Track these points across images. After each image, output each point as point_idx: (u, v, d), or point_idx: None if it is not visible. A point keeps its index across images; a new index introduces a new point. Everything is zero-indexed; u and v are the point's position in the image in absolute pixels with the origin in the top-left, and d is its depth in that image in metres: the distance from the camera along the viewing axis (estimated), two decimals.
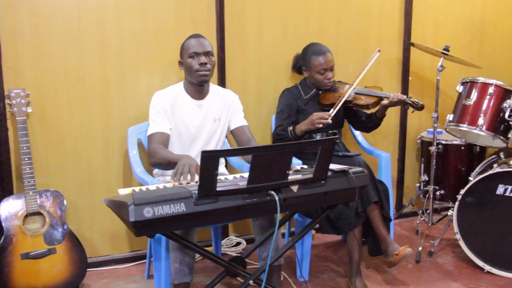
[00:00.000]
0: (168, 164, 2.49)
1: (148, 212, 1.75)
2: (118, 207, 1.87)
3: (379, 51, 3.10)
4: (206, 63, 2.69)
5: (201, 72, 2.69)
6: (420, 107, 3.04)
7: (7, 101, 2.83)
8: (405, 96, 3.04)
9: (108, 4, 3.06)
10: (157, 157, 2.57)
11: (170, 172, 2.75)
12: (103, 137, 3.16)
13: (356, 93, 3.16)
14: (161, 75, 3.22)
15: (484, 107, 3.19)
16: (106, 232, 3.26)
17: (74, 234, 2.87)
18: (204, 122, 2.82)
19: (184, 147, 2.80)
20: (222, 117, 2.86)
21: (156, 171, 2.89)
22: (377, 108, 3.18)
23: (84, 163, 3.14)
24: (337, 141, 3.21)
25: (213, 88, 2.89)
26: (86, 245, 2.93)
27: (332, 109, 2.95)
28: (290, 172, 2.03)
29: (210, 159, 1.80)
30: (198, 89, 2.79)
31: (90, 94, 3.09)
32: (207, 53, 2.71)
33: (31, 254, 2.73)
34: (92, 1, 3.02)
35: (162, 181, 2.79)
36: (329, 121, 2.89)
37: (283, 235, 3.42)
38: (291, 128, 3.04)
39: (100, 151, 3.17)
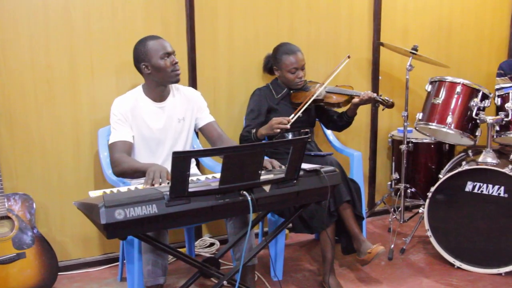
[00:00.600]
0: (135, 173, 2.45)
1: (120, 214, 1.73)
2: (89, 209, 1.85)
3: (348, 57, 3.13)
4: (177, 62, 2.67)
5: (176, 71, 2.67)
6: (390, 105, 3.08)
7: None
8: (375, 94, 3.09)
9: (76, 4, 3.01)
10: (122, 166, 2.51)
11: None
12: (73, 139, 3.12)
13: (327, 92, 3.19)
14: (131, 76, 3.18)
15: (452, 106, 3.24)
16: (77, 235, 3.22)
17: (44, 238, 2.82)
18: (169, 124, 2.78)
19: (150, 151, 2.76)
20: (186, 117, 2.83)
21: None
22: (348, 106, 3.21)
23: (53, 166, 3.09)
24: (309, 140, 3.26)
25: (173, 88, 2.84)
26: (57, 248, 2.89)
27: (292, 115, 2.96)
28: (262, 172, 2.03)
29: (181, 160, 1.79)
30: (159, 91, 2.74)
31: (58, 95, 3.04)
32: (174, 53, 2.70)
33: None
34: (59, 0, 2.97)
35: (134, 182, 2.76)
36: (288, 126, 2.91)
37: (256, 235, 3.42)
38: (254, 130, 3.06)
39: (70, 153, 3.13)
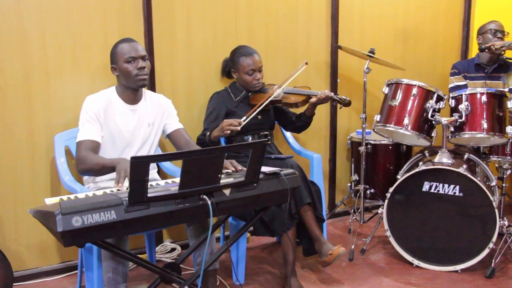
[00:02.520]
0: (102, 169, 2.42)
1: (77, 221, 1.69)
2: (45, 217, 1.80)
3: (306, 63, 3.18)
4: (144, 67, 2.65)
5: (140, 77, 2.64)
6: (347, 103, 3.14)
7: None
8: (332, 93, 3.14)
9: (28, 6, 2.94)
10: (88, 163, 2.47)
11: (101, 178, 2.70)
12: (28, 145, 3.03)
13: (285, 93, 3.22)
14: (88, 80, 3.13)
15: (408, 108, 3.30)
16: (33, 244, 3.13)
17: None
18: (139, 127, 2.76)
19: (117, 152, 2.73)
20: (156, 122, 2.82)
21: (86, 178, 2.80)
22: (306, 106, 3.24)
23: (7, 173, 3.00)
24: (269, 143, 3.28)
25: (146, 93, 2.85)
26: (12, 258, 2.81)
27: (244, 117, 2.98)
28: (222, 175, 2.03)
29: (140, 165, 1.77)
30: (132, 94, 2.73)
31: (12, 101, 2.96)
32: (143, 57, 2.67)
33: None
34: (9, 2, 2.90)
35: (93, 188, 2.71)
36: (238, 128, 2.93)
37: (217, 239, 3.40)
38: (208, 133, 3.07)
39: (25, 160, 3.04)
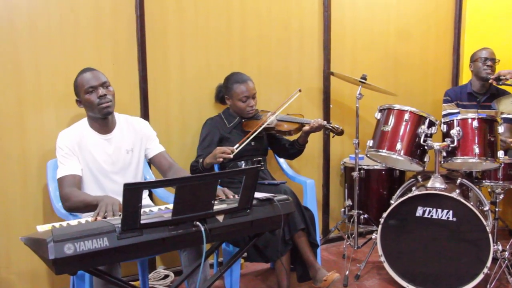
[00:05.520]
0: (86, 206, 2.42)
1: (69, 249, 1.68)
2: (37, 245, 1.79)
3: (299, 91, 3.22)
4: (105, 95, 2.61)
5: (103, 105, 2.60)
6: (340, 132, 3.16)
7: None
8: (325, 122, 3.16)
9: (23, 33, 2.96)
10: (73, 201, 2.48)
11: None
12: (20, 171, 3.02)
13: (278, 120, 3.24)
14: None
15: (401, 133, 3.32)
16: (24, 272, 3.10)
17: None
18: (116, 156, 2.74)
19: (99, 185, 2.72)
20: (135, 148, 2.80)
21: None
22: (299, 134, 3.25)
23: None
24: (262, 168, 3.28)
25: (120, 118, 2.81)
26: (2, 286, 2.77)
27: (237, 145, 3.00)
28: (216, 201, 2.03)
29: (132, 191, 1.76)
30: (103, 123, 2.70)
31: (4, 126, 2.96)
32: (103, 84, 2.63)
33: None
34: (3, 32, 2.92)
35: (85, 215, 2.69)
36: (230, 156, 2.95)
37: (211, 265, 3.38)
38: (201, 160, 3.07)
39: (17, 186, 3.03)
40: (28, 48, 2.98)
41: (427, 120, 3.32)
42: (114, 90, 2.69)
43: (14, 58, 2.96)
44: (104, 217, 2.11)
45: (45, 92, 3.05)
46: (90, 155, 2.67)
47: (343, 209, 3.96)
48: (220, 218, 2.03)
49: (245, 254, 2.87)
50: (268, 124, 3.15)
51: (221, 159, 2.96)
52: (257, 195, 2.19)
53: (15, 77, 2.97)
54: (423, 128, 3.29)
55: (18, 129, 3.00)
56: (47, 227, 1.93)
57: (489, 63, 3.90)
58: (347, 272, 3.40)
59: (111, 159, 2.72)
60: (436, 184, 3.21)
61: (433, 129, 3.33)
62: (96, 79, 2.62)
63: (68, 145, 2.62)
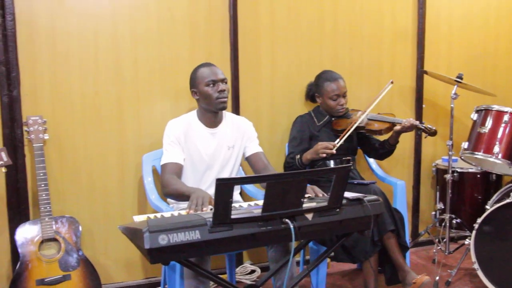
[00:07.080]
0: (180, 196, 2.52)
1: (163, 240, 1.75)
2: (133, 234, 1.88)
3: (392, 82, 3.13)
4: (224, 90, 2.72)
5: (220, 99, 2.72)
6: (433, 133, 3.05)
7: (24, 128, 2.86)
8: (417, 122, 3.06)
9: (124, 33, 3.12)
10: (170, 188, 2.60)
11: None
12: (118, 164, 3.19)
13: (369, 119, 3.18)
14: (174, 103, 3.25)
15: (499, 135, 3.18)
16: (120, 259, 3.26)
17: (89, 261, 2.88)
18: (218, 150, 2.83)
19: (197, 176, 2.82)
20: (236, 145, 2.88)
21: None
22: (390, 134, 3.18)
23: (99, 190, 3.16)
24: (351, 168, 3.24)
25: (227, 115, 2.91)
26: (100, 271, 2.93)
27: (338, 140, 2.96)
28: (305, 200, 2.03)
29: (224, 187, 1.81)
30: (212, 117, 2.81)
31: (105, 121, 3.13)
32: (223, 80, 2.75)
33: (46, 280, 2.73)
34: (108, 30, 3.08)
35: (176, 208, 2.79)
36: (333, 151, 2.91)
37: (298, 263, 3.39)
38: (298, 156, 3.06)
39: (115, 178, 3.19)
40: (128, 47, 3.14)
41: None
42: (229, 88, 2.79)
43: (116, 57, 3.12)
44: (196, 211, 2.17)
45: (142, 89, 3.19)
46: (194, 146, 2.78)
47: (433, 212, 3.83)
48: (309, 216, 2.03)
49: (332, 254, 2.85)
50: (359, 123, 3.11)
51: (324, 155, 2.93)
52: (347, 194, 2.18)
53: (116, 74, 3.13)
54: None
55: (117, 123, 3.16)
56: (143, 217, 2.02)
57: None
58: (437, 278, 3.29)
59: (213, 152, 2.81)
60: None
61: None
62: (218, 74, 2.74)
63: (175, 134, 2.74)
